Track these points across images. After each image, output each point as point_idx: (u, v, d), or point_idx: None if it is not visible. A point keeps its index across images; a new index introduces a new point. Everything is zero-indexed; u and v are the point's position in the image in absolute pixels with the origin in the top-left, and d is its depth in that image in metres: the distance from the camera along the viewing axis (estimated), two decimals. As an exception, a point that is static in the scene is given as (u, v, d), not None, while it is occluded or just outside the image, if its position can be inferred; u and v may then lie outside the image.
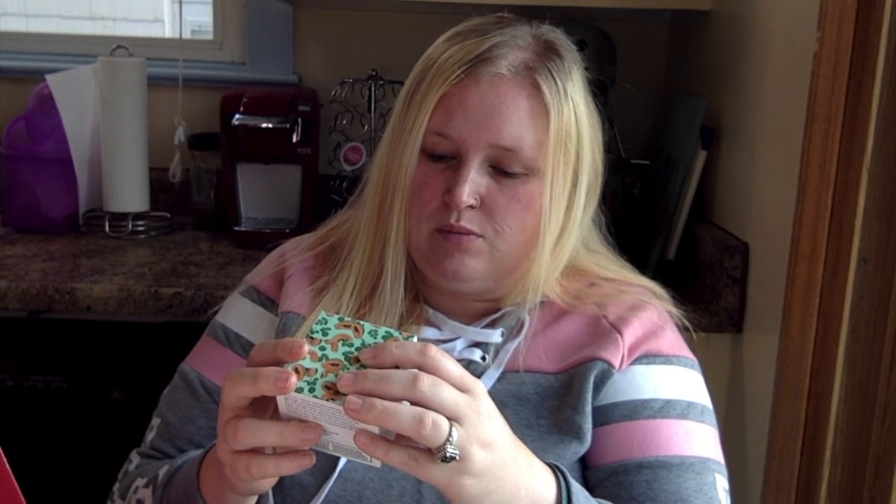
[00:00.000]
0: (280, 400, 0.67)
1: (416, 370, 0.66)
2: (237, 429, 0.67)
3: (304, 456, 0.68)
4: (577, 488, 0.76)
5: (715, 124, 1.57)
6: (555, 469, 0.76)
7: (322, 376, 0.66)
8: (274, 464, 0.68)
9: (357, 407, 0.63)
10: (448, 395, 0.65)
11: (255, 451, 0.68)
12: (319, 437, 0.67)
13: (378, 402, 0.63)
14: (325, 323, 0.70)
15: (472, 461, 0.66)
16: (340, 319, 0.70)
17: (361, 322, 0.70)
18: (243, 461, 0.68)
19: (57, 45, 2.04)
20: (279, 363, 0.67)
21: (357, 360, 0.68)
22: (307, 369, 0.66)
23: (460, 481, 0.67)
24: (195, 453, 0.88)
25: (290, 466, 0.68)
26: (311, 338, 0.69)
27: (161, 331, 1.47)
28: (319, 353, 0.68)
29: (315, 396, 0.65)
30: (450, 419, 0.65)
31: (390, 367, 0.66)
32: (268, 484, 0.74)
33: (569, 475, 0.76)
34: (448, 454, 0.65)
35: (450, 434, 0.65)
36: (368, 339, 0.69)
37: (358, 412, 0.63)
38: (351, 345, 0.69)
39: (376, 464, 0.68)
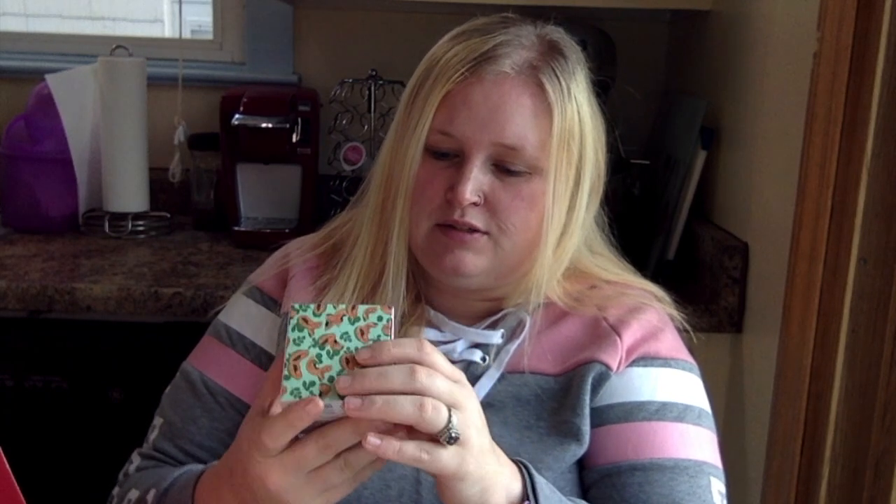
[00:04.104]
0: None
1: (411, 365, 0.68)
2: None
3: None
4: (541, 480, 0.77)
5: (715, 124, 1.57)
6: (518, 463, 0.78)
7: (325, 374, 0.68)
8: (350, 462, 0.70)
9: (357, 405, 0.66)
10: (443, 384, 0.69)
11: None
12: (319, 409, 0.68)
13: (378, 397, 0.66)
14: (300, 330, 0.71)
15: (472, 444, 0.70)
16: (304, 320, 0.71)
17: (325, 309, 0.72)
18: (325, 472, 0.70)
19: (57, 45, 2.04)
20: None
21: (348, 360, 0.69)
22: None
23: (466, 467, 0.69)
24: (183, 473, 0.88)
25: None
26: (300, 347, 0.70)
27: (161, 331, 1.47)
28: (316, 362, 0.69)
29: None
30: (447, 406, 0.68)
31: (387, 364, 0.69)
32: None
33: (531, 467, 0.78)
34: (453, 434, 0.68)
35: (450, 417, 0.68)
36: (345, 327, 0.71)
37: (359, 410, 0.66)
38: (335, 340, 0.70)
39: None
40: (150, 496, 0.87)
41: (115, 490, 0.94)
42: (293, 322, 0.71)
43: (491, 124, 0.85)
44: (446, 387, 0.69)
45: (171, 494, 0.85)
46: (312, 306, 0.72)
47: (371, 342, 0.70)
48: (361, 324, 0.71)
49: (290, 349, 0.70)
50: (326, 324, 0.71)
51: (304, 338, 0.70)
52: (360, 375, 0.67)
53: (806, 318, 1.16)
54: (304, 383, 0.68)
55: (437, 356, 0.70)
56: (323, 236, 1.02)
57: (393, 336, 0.71)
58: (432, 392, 0.68)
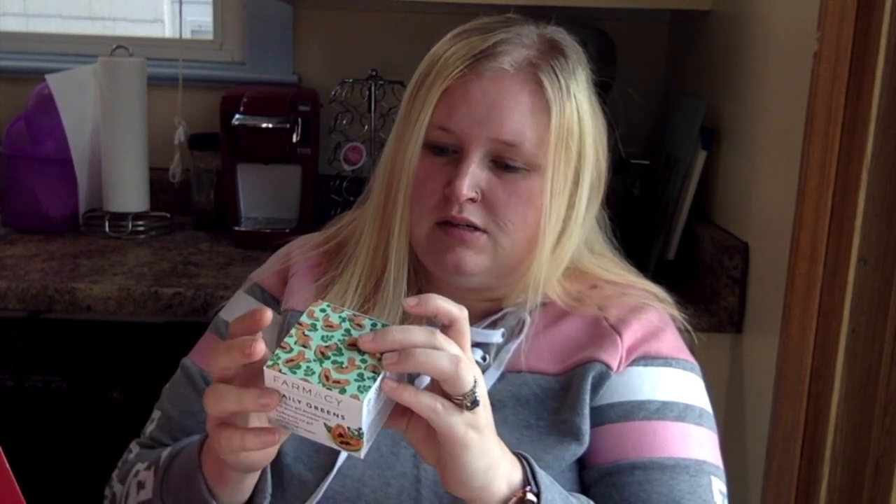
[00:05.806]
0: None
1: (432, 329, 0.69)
2: (209, 394, 0.70)
3: (267, 433, 0.70)
4: (541, 471, 0.77)
5: (715, 124, 1.57)
6: (518, 456, 0.77)
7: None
8: (240, 438, 0.70)
9: (395, 359, 0.67)
10: (459, 351, 0.69)
11: (229, 424, 0.70)
12: (275, 403, 0.67)
13: (417, 349, 0.67)
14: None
15: (482, 416, 0.70)
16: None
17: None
18: (217, 432, 0.71)
19: (57, 45, 2.04)
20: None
21: (352, 344, 0.69)
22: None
23: (470, 435, 0.69)
24: (196, 437, 0.88)
25: (253, 442, 0.70)
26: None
27: (161, 331, 1.47)
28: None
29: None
30: None
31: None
32: (256, 460, 0.74)
33: (531, 458, 0.77)
34: (476, 397, 0.68)
35: (475, 382, 0.68)
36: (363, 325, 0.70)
37: (398, 363, 0.66)
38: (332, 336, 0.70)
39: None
40: (164, 454, 0.88)
41: (115, 473, 0.95)
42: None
43: (489, 120, 0.86)
44: (463, 354, 0.69)
45: (184, 452, 0.86)
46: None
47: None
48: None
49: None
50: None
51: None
52: (383, 332, 0.68)
53: (806, 319, 1.17)
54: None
55: (448, 341, 0.71)
56: (326, 235, 1.02)
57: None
58: (451, 352, 0.68)
